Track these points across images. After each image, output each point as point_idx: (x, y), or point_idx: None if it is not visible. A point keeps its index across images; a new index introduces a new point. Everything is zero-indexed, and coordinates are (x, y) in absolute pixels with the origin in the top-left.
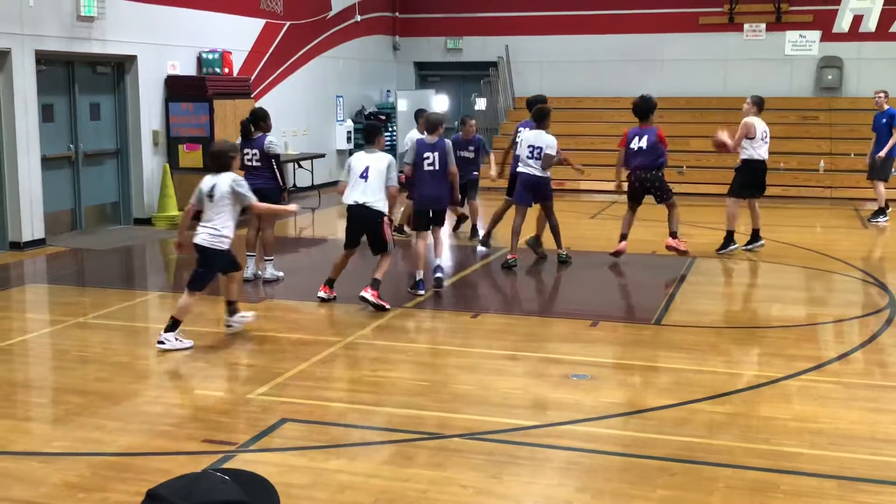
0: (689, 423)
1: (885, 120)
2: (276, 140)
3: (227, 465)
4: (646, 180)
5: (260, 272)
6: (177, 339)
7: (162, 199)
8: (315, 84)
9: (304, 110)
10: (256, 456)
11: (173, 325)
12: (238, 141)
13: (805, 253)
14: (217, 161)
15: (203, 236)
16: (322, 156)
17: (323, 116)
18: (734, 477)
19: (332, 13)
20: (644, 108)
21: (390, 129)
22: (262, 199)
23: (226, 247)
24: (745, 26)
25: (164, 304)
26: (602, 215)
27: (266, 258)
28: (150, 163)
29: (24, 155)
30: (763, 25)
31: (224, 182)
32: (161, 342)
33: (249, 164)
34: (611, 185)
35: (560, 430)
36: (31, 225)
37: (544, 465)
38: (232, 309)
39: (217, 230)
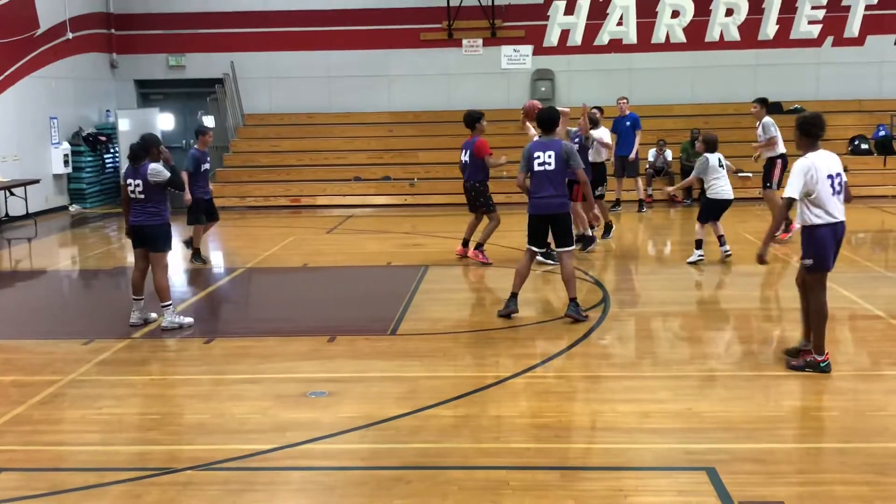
0: (423, 430)
1: (628, 123)
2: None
3: None
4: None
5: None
6: None
7: None
8: (25, 106)
9: (14, 134)
10: None
11: None
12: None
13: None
14: None
15: None
16: (37, 181)
17: (36, 140)
18: (467, 478)
19: (40, 31)
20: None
21: (112, 149)
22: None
23: None
24: (464, 42)
25: None
26: (338, 230)
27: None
28: None
29: None
30: (480, 41)
31: None
32: None
33: (133, 195)
34: (348, 200)
35: (298, 451)
36: None
37: (282, 489)
38: None
39: None
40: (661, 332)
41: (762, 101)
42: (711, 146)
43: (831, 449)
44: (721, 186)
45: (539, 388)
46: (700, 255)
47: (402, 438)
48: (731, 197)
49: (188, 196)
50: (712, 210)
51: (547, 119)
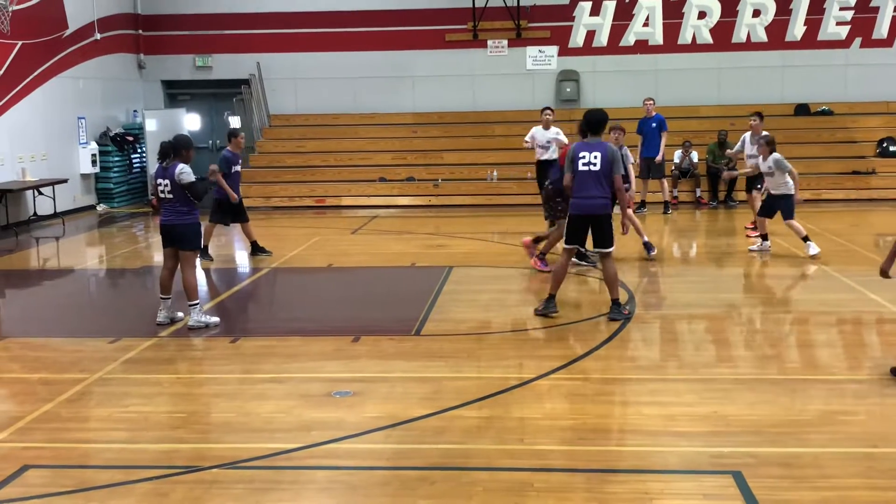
0: (447, 431)
1: (654, 124)
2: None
3: None
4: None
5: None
6: None
7: None
8: (54, 106)
9: (42, 134)
10: None
11: None
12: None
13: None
14: None
15: None
16: (64, 181)
17: (64, 139)
18: (491, 480)
19: (68, 32)
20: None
21: (139, 150)
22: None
23: None
24: (489, 43)
25: None
26: (363, 230)
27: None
28: None
29: None
30: (505, 42)
31: None
32: None
33: (162, 195)
34: (372, 200)
35: (323, 450)
36: None
37: (306, 488)
38: None
39: None
40: (686, 335)
41: (760, 116)
42: (774, 145)
43: (858, 454)
44: (789, 183)
45: (564, 391)
46: (767, 245)
47: (427, 439)
48: None
49: (234, 195)
50: (778, 206)
51: (596, 121)
